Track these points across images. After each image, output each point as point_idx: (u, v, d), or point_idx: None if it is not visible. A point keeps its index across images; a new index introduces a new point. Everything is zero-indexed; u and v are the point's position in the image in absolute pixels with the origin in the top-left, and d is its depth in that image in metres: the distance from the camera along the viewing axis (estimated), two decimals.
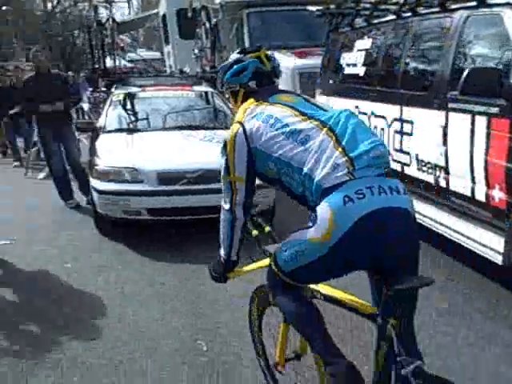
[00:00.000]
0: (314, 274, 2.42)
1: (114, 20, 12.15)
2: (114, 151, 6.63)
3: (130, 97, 7.76)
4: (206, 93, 8.34)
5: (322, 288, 2.64)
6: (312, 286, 2.65)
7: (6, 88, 11.60)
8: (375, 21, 7.03)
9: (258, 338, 3.23)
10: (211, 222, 6.28)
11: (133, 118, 7.49)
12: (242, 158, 2.55)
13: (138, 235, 6.46)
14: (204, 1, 12.37)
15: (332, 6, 8.12)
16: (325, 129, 2.36)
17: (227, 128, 7.93)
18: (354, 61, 7.36)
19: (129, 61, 12.13)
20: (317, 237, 2.27)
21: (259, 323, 3.19)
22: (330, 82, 8.15)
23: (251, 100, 2.65)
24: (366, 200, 2.20)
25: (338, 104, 7.83)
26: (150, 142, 6.83)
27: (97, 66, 11.44)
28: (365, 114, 6.87)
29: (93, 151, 6.94)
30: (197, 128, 7.36)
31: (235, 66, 2.77)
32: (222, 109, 8.05)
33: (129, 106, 7.57)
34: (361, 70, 7.12)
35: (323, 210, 2.24)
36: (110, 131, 7.31)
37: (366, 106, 6.85)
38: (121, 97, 7.84)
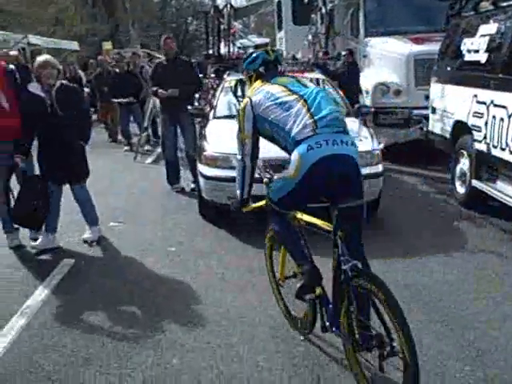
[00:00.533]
0: (291, 201, 3.53)
1: (231, 6, 12.24)
2: (223, 137, 6.68)
3: (242, 83, 7.77)
4: (318, 80, 8.21)
5: (304, 216, 3.71)
6: (298, 215, 3.69)
7: (124, 74, 12.00)
8: (503, 4, 6.58)
9: (270, 264, 4.31)
10: (315, 210, 6.23)
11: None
12: (249, 122, 3.60)
13: (241, 222, 6.49)
14: None
15: None
16: (301, 100, 3.43)
17: None
18: (476, 47, 6.99)
19: (239, 47, 12.17)
20: (289, 174, 3.38)
21: (270, 253, 4.28)
22: (448, 69, 7.79)
23: (258, 81, 3.73)
24: (322, 148, 3.25)
25: (454, 92, 7.48)
26: None
27: (210, 52, 11.59)
28: (483, 103, 6.51)
29: (202, 137, 7.05)
30: None
31: (250, 58, 3.84)
32: (332, 96, 7.89)
33: (239, 93, 7.59)
34: (483, 57, 6.74)
35: (294, 155, 3.32)
36: (219, 117, 7.38)
37: (486, 94, 6.49)
38: (232, 83, 7.88)
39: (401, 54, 9.75)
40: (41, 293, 4.81)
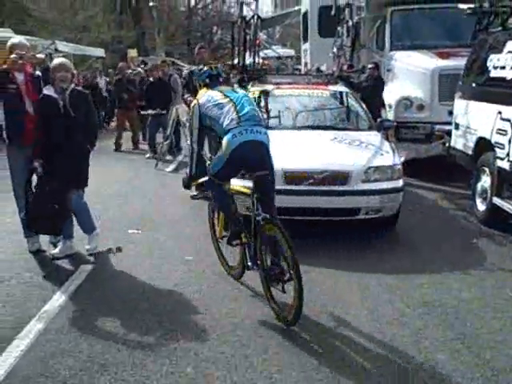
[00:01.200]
0: (224, 173, 4.77)
1: (258, 17, 12.29)
2: None
3: (265, 94, 7.80)
4: (341, 93, 8.21)
5: (234, 186, 5.09)
6: (228, 185, 5.00)
7: (157, 82, 12.10)
8: None
9: (211, 226, 5.66)
10: (334, 223, 6.20)
11: (265, 116, 7.53)
12: (197, 117, 4.81)
13: None
14: None
15: (485, 4, 7.70)
16: (231, 102, 4.67)
17: (359, 129, 7.82)
18: (502, 63, 6.95)
19: (263, 57, 12.21)
20: (221, 154, 4.65)
21: (212, 219, 5.64)
22: (473, 85, 7.75)
23: (204, 89, 4.98)
24: (243, 136, 4.52)
25: (478, 109, 7.44)
26: (279, 140, 6.82)
27: (235, 62, 11.64)
28: (508, 120, 6.46)
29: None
30: (328, 128, 7.29)
31: (200, 72, 5.15)
32: (356, 110, 7.89)
33: (262, 104, 7.61)
34: (509, 74, 6.71)
35: (224, 140, 4.57)
36: None
37: (511, 111, 6.43)
38: (256, 94, 7.91)
39: (426, 69, 9.71)
40: (58, 298, 4.85)
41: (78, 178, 5.76)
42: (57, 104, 5.51)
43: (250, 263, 4.86)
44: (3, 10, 29.59)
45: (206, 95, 4.85)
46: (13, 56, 5.63)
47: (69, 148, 5.55)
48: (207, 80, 5.02)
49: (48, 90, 5.59)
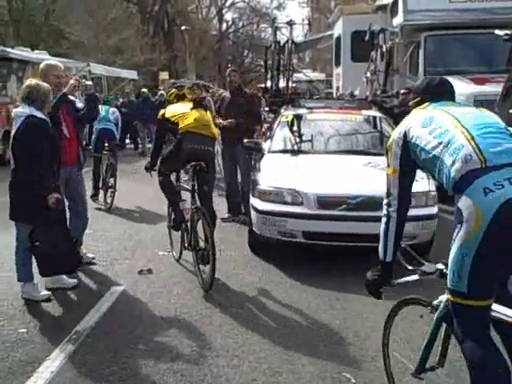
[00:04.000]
0: None
1: (293, 41, 12.34)
2: (277, 172, 6.68)
3: (298, 118, 7.79)
4: (374, 118, 8.15)
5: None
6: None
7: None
8: None
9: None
10: (366, 250, 6.10)
11: (298, 140, 7.51)
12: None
13: (291, 257, 6.45)
14: (383, 24, 12.21)
15: None
16: None
17: None
18: None
19: (294, 81, 12.23)
20: None
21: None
22: (510, 111, 7.61)
23: None
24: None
25: None
26: (313, 165, 6.81)
27: (268, 85, 11.67)
28: None
29: (256, 170, 7.05)
30: (362, 153, 7.22)
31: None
32: (389, 135, 7.80)
33: (295, 128, 7.60)
34: None
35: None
36: (274, 151, 7.38)
37: None
38: (289, 118, 7.90)
39: (461, 94, 9.57)
40: (90, 319, 4.83)
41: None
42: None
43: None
44: (39, 33, 30.29)
45: None
46: (72, 82, 5.71)
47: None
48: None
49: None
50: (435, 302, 3.06)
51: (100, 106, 8.89)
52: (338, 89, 15.54)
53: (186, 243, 5.99)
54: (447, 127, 2.80)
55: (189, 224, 5.89)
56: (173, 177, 6.29)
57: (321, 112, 8.27)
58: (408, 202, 3.20)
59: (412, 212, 6.02)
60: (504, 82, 8.04)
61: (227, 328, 4.69)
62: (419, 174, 6.48)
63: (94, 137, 10.12)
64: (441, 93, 3.16)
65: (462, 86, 9.75)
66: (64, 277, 5.46)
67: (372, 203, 6.05)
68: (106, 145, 9.83)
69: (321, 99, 9.97)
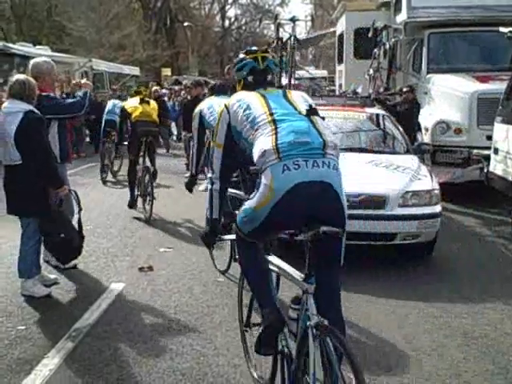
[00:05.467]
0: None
1: (295, 38, 12.29)
2: None
3: None
4: (378, 115, 8.11)
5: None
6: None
7: (193, 100, 12.16)
8: None
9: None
10: (369, 248, 6.05)
11: None
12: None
13: (293, 257, 6.39)
14: (386, 20, 12.14)
15: None
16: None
17: (396, 153, 7.64)
18: None
19: (296, 78, 12.17)
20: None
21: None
22: None
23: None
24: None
25: None
26: None
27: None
28: None
29: None
30: (364, 151, 7.19)
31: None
32: (392, 133, 7.78)
33: None
34: None
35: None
36: None
37: None
38: None
39: (464, 92, 9.55)
40: (89, 316, 4.79)
41: None
42: None
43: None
44: (42, 29, 30.27)
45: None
46: (84, 81, 5.87)
47: None
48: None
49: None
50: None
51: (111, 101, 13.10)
52: (340, 86, 15.47)
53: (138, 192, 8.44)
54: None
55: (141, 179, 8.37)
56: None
57: (323, 109, 8.18)
58: (228, 178, 3.60)
59: (415, 210, 6.09)
60: (508, 80, 7.98)
61: (228, 326, 4.64)
62: (422, 171, 6.59)
63: (102, 126, 12.12)
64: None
65: (466, 84, 9.71)
66: (39, 285, 5.31)
67: (374, 201, 6.02)
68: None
69: (323, 96, 9.91)
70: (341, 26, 15.58)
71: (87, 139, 17.87)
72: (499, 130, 7.97)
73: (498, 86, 8.69)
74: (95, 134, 17.22)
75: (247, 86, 3.38)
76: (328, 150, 2.94)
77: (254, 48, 3.56)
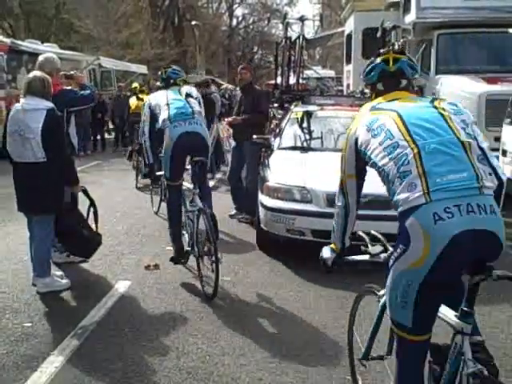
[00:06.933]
0: None
1: (304, 37, 12.24)
2: (286, 168, 6.62)
3: (308, 115, 7.72)
4: None
5: None
6: None
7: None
8: None
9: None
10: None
11: (308, 137, 7.45)
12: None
13: (298, 255, 6.39)
14: (395, 21, 12.09)
15: None
16: None
17: None
18: None
19: (303, 78, 12.14)
20: None
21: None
22: None
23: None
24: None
25: None
26: (322, 162, 6.73)
27: (278, 82, 11.58)
28: None
29: (265, 167, 6.99)
30: None
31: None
32: None
33: (305, 125, 7.53)
34: None
35: None
36: (284, 148, 7.32)
37: None
38: (299, 114, 7.83)
39: (472, 93, 9.50)
40: (95, 314, 4.80)
41: None
42: None
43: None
44: (50, 26, 30.33)
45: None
46: (74, 73, 6.16)
47: None
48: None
49: None
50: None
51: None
52: (348, 86, 15.43)
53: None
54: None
55: None
56: None
57: (331, 109, 8.19)
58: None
59: None
60: None
61: (234, 326, 4.64)
62: None
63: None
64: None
65: (474, 85, 9.66)
66: (58, 278, 5.39)
67: (382, 202, 5.98)
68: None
69: (331, 96, 9.88)
70: (349, 26, 15.54)
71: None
72: (508, 131, 7.93)
73: (506, 88, 8.66)
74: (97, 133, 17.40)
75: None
76: None
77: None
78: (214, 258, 5.11)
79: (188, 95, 5.81)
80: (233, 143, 8.77)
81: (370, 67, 2.90)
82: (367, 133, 2.66)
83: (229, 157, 9.56)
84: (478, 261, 2.44)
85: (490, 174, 2.53)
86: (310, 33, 32.59)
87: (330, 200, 5.94)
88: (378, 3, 14.43)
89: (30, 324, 4.59)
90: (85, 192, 5.56)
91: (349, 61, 15.58)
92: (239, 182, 8.39)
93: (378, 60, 2.87)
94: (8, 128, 5.07)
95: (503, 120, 8.06)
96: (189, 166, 5.85)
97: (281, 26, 17.82)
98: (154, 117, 5.75)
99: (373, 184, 6.27)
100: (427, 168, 2.41)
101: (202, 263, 5.39)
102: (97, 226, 5.60)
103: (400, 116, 2.57)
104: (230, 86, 18.81)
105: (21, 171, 5.07)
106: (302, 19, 12.19)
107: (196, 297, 5.26)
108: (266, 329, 4.62)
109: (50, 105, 5.02)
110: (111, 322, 4.69)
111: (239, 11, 50.42)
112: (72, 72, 6.37)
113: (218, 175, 11.94)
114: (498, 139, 8.40)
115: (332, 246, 3.13)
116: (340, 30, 17.37)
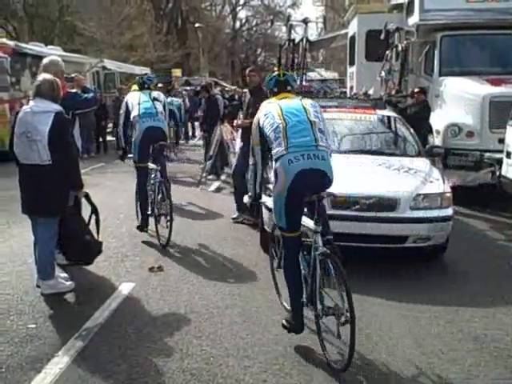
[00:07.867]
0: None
1: (307, 39, 12.23)
2: None
3: None
4: (389, 117, 8.07)
5: None
6: None
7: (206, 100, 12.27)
8: None
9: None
10: (380, 251, 5.99)
11: None
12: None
13: None
14: (398, 23, 12.07)
15: None
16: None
17: (408, 155, 7.54)
18: None
19: (307, 80, 12.13)
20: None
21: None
22: None
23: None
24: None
25: None
26: None
27: None
28: None
29: (269, 168, 6.96)
30: (376, 153, 7.15)
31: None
32: (404, 135, 7.73)
33: None
34: None
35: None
36: None
37: None
38: None
39: (476, 95, 9.49)
40: (99, 315, 4.80)
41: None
42: None
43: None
44: (54, 29, 30.39)
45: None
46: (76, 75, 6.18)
47: None
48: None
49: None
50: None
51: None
52: (351, 88, 15.40)
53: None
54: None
55: None
56: None
57: (335, 111, 8.17)
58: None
59: (426, 213, 6.05)
60: None
61: (238, 328, 4.64)
62: (434, 174, 6.55)
63: None
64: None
65: (478, 87, 9.65)
66: (62, 280, 5.40)
67: (386, 204, 5.99)
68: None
69: (334, 98, 9.87)
70: (352, 28, 15.50)
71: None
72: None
73: (510, 90, 8.64)
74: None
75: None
76: None
77: None
78: (168, 218, 6.72)
79: (155, 99, 7.34)
80: (238, 144, 8.78)
81: (270, 78, 4.67)
82: (264, 117, 4.31)
83: (233, 159, 9.59)
84: (315, 189, 4.11)
85: (326, 140, 4.23)
86: (313, 35, 32.62)
87: (334, 202, 5.94)
88: (381, 5, 14.45)
89: (34, 325, 4.60)
90: (87, 197, 5.48)
91: (352, 63, 15.55)
92: (243, 181, 8.38)
93: (275, 74, 4.71)
94: (16, 130, 5.08)
95: (507, 122, 8.03)
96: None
97: (284, 28, 17.95)
98: (128, 112, 7.21)
99: (377, 186, 6.30)
100: (288, 134, 4.11)
101: (160, 224, 6.89)
102: (98, 234, 5.55)
103: (280, 106, 4.27)
104: (238, 89, 18.85)
105: (26, 173, 5.08)
106: (305, 21, 12.20)
107: (200, 298, 5.26)
108: (271, 330, 4.61)
109: (59, 108, 5.04)
110: (115, 323, 4.69)
111: (242, 13, 50.60)
112: (73, 75, 6.40)
113: (223, 177, 11.93)
114: (502, 141, 8.38)
115: (249, 194, 5.25)
116: (343, 32, 17.31)
